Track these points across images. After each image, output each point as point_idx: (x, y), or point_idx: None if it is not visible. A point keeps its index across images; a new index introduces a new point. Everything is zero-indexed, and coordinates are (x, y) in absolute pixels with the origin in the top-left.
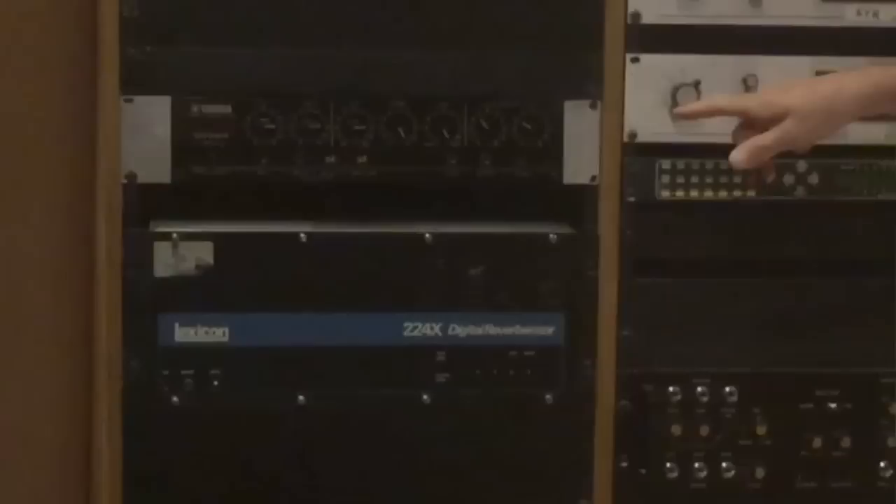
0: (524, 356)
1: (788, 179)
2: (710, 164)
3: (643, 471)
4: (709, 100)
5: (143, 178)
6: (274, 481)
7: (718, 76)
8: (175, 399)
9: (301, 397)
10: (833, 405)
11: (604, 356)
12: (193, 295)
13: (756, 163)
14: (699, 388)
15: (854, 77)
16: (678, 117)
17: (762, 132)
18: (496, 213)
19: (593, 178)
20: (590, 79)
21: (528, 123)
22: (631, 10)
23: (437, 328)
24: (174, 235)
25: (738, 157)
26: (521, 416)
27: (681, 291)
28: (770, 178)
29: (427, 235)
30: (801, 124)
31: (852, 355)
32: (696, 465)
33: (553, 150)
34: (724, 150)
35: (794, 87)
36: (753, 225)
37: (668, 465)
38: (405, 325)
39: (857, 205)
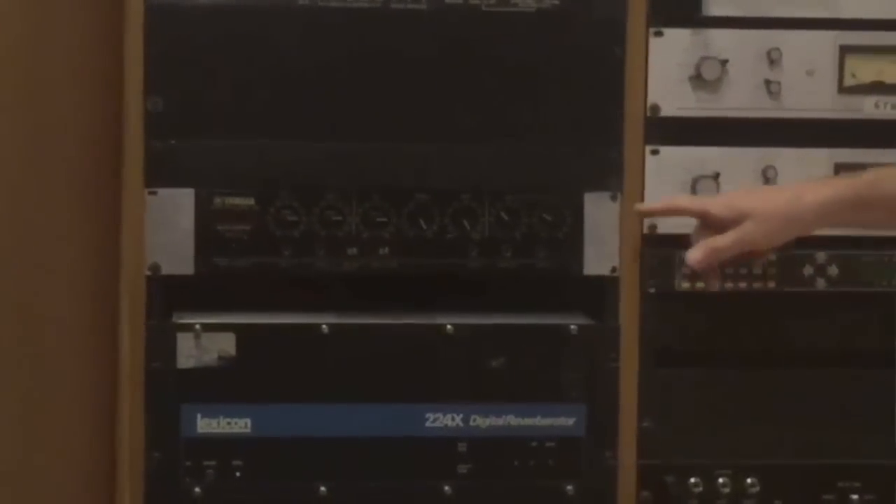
0: (545, 447)
1: (808, 271)
2: None
3: None
4: (669, 199)
5: (166, 269)
6: None
7: (737, 168)
8: (197, 490)
9: (323, 488)
10: (855, 496)
11: (625, 447)
12: (216, 386)
13: (712, 262)
14: (720, 480)
15: (816, 186)
16: (637, 214)
17: (721, 233)
18: (517, 305)
19: (613, 269)
20: (610, 171)
21: (549, 215)
22: (650, 102)
23: (458, 419)
24: (197, 327)
25: (694, 255)
26: None
27: (701, 382)
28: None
29: (448, 327)
30: (759, 227)
31: (874, 446)
32: None
33: (573, 242)
34: None
35: (756, 192)
36: (773, 316)
37: None
38: (427, 416)
39: (877, 296)
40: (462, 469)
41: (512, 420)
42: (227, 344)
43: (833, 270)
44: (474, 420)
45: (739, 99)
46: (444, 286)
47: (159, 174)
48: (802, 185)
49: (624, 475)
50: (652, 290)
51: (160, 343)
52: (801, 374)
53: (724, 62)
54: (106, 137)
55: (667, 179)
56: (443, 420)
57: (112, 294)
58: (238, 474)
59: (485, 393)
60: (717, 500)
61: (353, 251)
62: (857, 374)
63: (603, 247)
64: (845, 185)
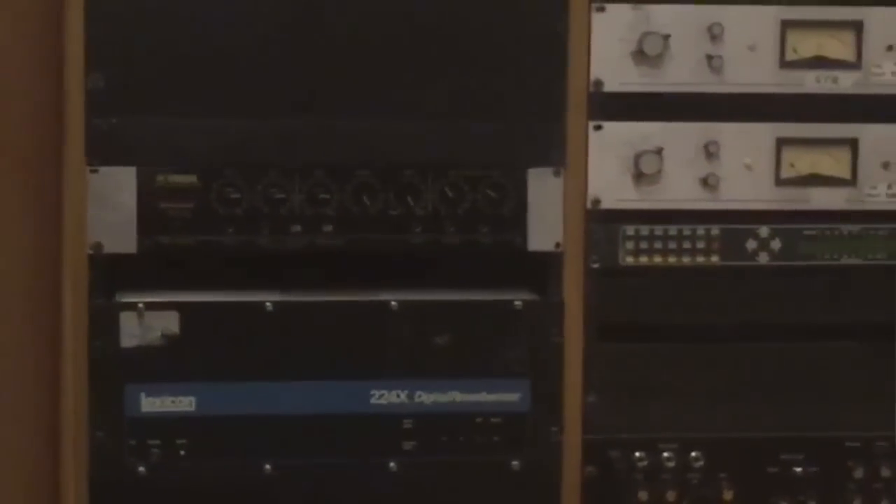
0: (490, 423)
1: (752, 245)
2: (673, 230)
3: None
4: None
5: (108, 248)
6: None
7: (680, 143)
8: (141, 469)
9: (268, 466)
10: (798, 469)
11: (569, 422)
12: (159, 365)
13: None
14: (665, 454)
15: None
16: None
17: None
18: (461, 281)
19: (557, 244)
20: (553, 146)
21: (493, 191)
22: (593, 78)
23: (403, 396)
24: (140, 305)
25: None
26: (487, 482)
27: (645, 357)
28: None
29: (393, 303)
30: None
31: (817, 419)
32: None
33: (517, 218)
34: (687, 216)
35: None
36: (717, 290)
37: None
38: (372, 392)
39: (819, 269)
40: (407, 446)
41: (457, 396)
42: (170, 323)
43: (776, 244)
44: (419, 396)
45: (682, 74)
46: (389, 263)
47: (100, 152)
48: None
49: (569, 450)
50: (596, 266)
51: (103, 322)
52: (745, 347)
53: (666, 37)
54: (47, 115)
55: (610, 154)
56: (388, 397)
57: (54, 273)
58: (182, 453)
59: (430, 369)
60: (662, 474)
61: (296, 228)
62: (799, 348)
63: (547, 222)
64: None
